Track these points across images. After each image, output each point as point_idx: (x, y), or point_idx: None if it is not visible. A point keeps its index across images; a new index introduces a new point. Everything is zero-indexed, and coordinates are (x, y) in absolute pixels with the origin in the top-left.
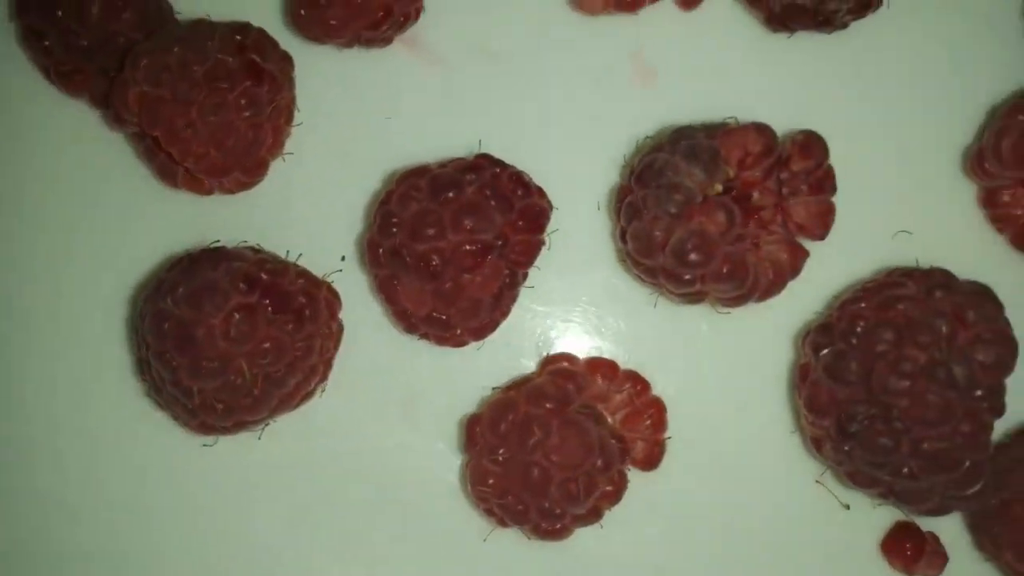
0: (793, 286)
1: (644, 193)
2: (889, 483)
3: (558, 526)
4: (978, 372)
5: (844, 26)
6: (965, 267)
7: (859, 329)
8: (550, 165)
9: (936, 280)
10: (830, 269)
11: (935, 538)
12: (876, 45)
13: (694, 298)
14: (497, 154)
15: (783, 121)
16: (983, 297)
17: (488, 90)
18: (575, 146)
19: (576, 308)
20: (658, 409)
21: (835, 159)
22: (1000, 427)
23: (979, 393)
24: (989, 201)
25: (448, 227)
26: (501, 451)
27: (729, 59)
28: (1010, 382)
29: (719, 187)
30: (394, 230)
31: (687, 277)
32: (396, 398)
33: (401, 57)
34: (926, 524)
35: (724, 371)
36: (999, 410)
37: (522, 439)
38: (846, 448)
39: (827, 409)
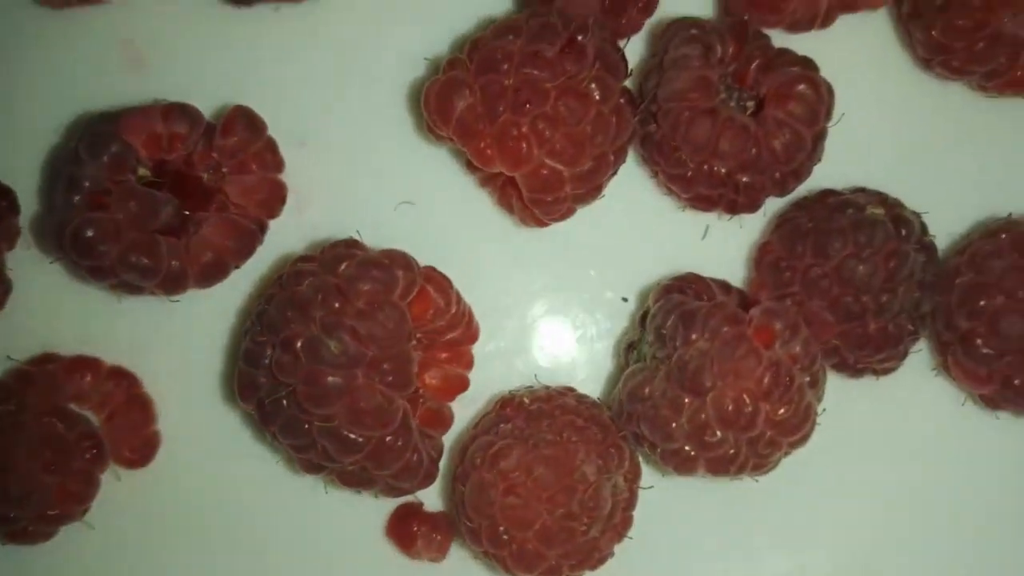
0: None
1: (52, 191)
2: (331, 470)
3: (29, 528)
4: (361, 344)
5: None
6: (463, 231)
7: (267, 308)
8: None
9: (340, 252)
10: None
11: (440, 519)
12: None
13: (127, 290)
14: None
15: (265, 105)
16: (378, 267)
17: None
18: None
19: (66, 306)
20: (140, 405)
21: (343, 130)
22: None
23: (385, 366)
24: (471, 167)
25: None
26: None
27: (211, 39)
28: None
29: (144, 171)
30: None
31: (102, 266)
32: None
33: None
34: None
35: (204, 360)
36: (403, 385)
37: None
38: (273, 433)
39: (250, 395)
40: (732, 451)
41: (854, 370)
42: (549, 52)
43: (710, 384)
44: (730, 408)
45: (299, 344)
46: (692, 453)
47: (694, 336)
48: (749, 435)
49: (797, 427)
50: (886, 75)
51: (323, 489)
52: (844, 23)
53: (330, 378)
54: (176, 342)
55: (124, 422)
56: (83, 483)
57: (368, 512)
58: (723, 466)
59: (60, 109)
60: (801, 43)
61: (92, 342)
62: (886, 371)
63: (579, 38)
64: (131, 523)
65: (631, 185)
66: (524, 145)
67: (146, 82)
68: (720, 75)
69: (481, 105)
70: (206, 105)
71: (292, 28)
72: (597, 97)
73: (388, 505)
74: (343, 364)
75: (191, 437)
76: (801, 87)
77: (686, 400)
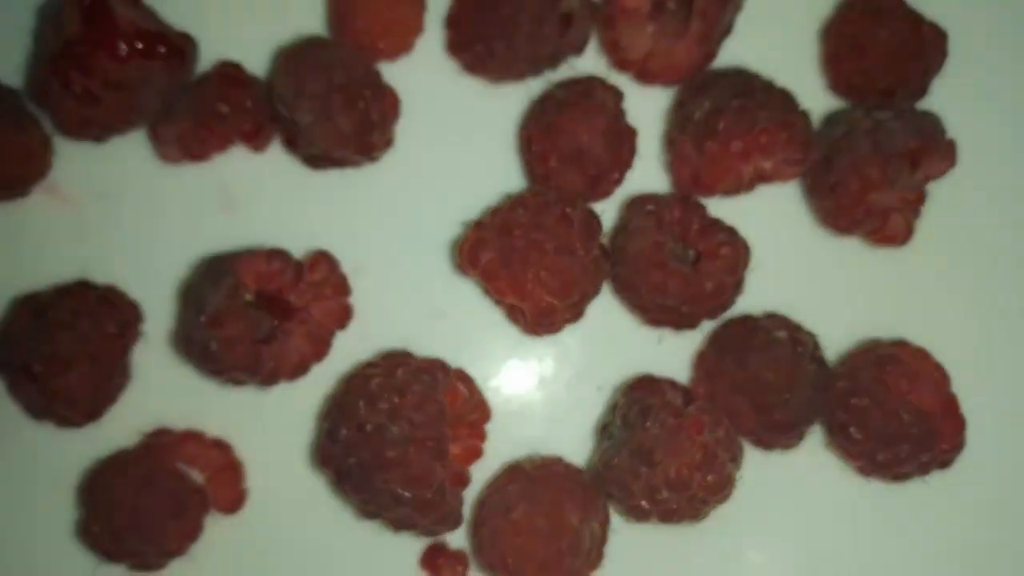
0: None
1: (184, 314)
2: (386, 517)
3: (151, 561)
4: (415, 428)
5: (356, 164)
6: (480, 336)
7: (344, 400)
8: (160, 288)
9: (398, 361)
10: None
11: (460, 555)
12: (399, 175)
13: (234, 384)
14: (121, 281)
15: (334, 243)
16: (425, 372)
17: (112, 228)
18: (179, 274)
19: (177, 392)
20: (233, 467)
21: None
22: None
23: (429, 444)
24: (488, 292)
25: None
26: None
27: (290, 191)
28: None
29: (249, 297)
30: None
31: (220, 369)
32: None
33: (42, 204)
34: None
35: (285, 432)
36: (442, 457)
37: (106, 500)
38: (345, 490)
39: (328, 461)
40: (675, 506)
41: (766, 446)
42: (548, 221)
43: (660, 459)
44: (674, 476)
45: (369, 428)
46: (647, 507)
47: (649, 424)
48: (687, 495)
49: (720, 489)
50: (793, 228)
51: (377, 531)
52: (762, 190)
53: (390, 452)
54: (265, 419)
55: (221, 480)
56: (193, 526)
57: (406, 549)
58: (668, 517)
59: (174, 242)
60: (729, 204)
61: (197, 419)
62: (789, 447)
63: (568, 211)
64: (223, 556)
65: (605, 308)
66: (530, 286)
67: (237, 221)
68: (669, 234)
69: (500, 258)
70: (283, 239)
71: (354, 183)
72: (581, 253)
73: (421, 543)
74: (400, 443)
75: (272, 491)
76: (724, 250)
77: (643, 470)
